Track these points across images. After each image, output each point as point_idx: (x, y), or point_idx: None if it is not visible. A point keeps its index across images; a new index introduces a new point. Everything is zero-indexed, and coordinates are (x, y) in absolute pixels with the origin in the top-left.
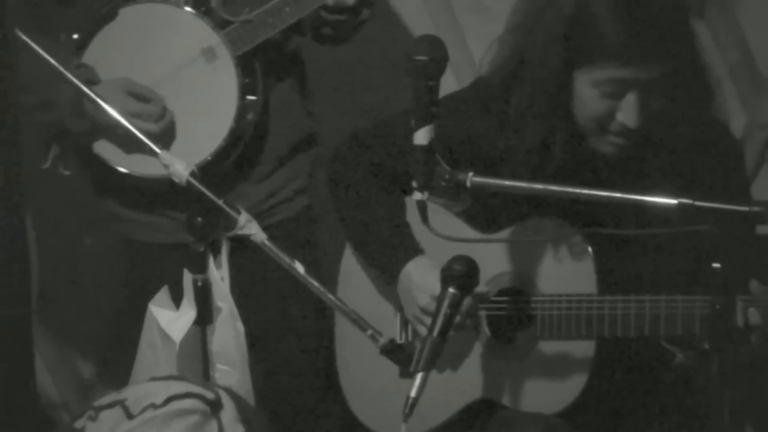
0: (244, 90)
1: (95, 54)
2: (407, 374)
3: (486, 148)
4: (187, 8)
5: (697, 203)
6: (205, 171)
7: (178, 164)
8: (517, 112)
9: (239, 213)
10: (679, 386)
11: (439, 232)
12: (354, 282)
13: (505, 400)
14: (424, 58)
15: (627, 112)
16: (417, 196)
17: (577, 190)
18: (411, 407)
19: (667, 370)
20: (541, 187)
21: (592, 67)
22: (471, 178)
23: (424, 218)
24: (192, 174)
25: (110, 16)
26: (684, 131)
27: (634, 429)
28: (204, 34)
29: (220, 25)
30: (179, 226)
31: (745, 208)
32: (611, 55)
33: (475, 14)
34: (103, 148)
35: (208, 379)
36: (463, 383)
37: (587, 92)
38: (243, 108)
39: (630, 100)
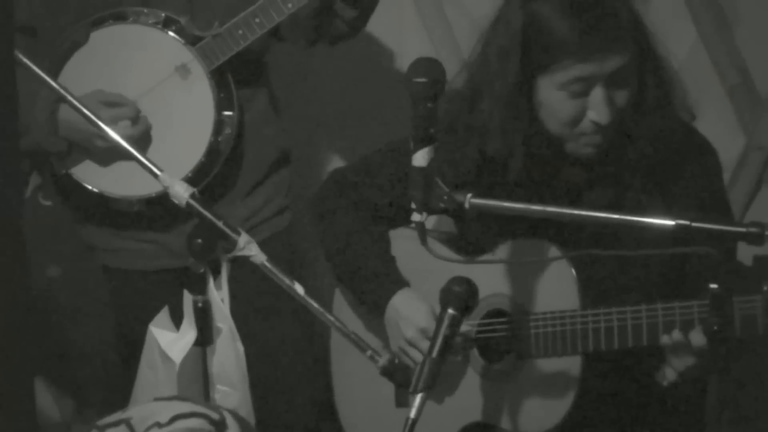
0: (220, 104)
1: (69, 79)
2: (404, 403)
3: (454, 167)
4: (158, 27)
5: (694, 224)
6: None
7: (178, 186)
8: (476, 130)
9: (239, 234)
10: (671, 400)
11: (438, 253)
12: (347, 307)
13: (498, 422)
14: (422, 80)
15: (597, 109)
16: (416, 217)
17: (575, 212)
18: (411, 428)
19: (657, 384)
20: (539, 209)
21: (554, 70)
22: (470, 200)
23: (423, 240)
24: (192, 196)
25: (82, 40)
26: (656, 131)
27: None
28: (176, 51)
29: (191, 41)
30: (159, 251)
31: (743, 229)
32: (570, 53)
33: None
34: (82, 172)
35: (208, 400)
36: (456, 407)
37: (554, 96)
38: (220, 123)
39: (597, 96)
